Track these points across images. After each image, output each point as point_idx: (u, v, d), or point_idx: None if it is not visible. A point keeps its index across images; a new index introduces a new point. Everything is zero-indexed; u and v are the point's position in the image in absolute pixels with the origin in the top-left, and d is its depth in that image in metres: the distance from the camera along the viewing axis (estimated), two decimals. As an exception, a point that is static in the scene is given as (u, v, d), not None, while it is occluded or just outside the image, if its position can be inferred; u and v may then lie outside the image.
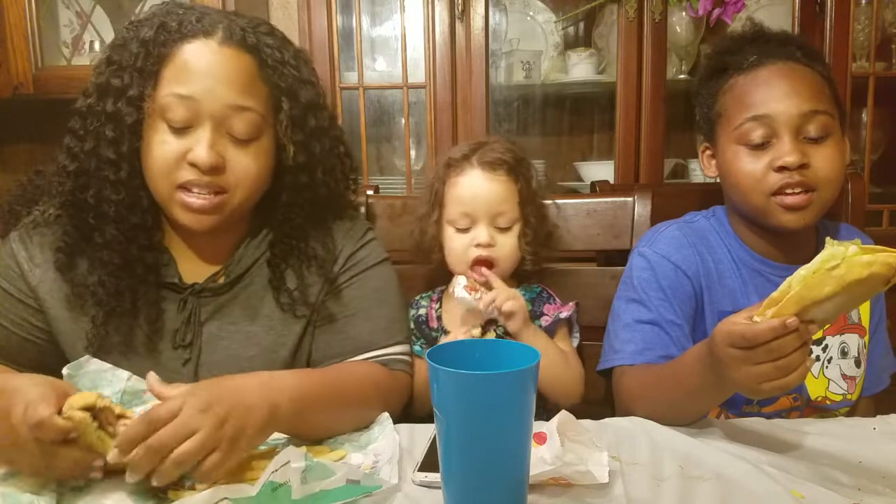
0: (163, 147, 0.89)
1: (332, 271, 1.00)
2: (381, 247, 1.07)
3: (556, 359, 1.09)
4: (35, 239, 0.97)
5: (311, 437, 0.85)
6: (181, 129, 0.89)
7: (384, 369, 0.97)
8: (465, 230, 1.13)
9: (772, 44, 1.06)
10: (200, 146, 0.88)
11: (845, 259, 0.66)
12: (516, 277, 1.21)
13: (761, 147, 1.01)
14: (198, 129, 0.89)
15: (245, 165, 0.91)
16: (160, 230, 0.97)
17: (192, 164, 0.88)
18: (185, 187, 0.90)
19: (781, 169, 0.98)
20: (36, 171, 1.05)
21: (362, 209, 1.32)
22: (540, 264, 1.18)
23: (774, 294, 0.71)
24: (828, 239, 0.68)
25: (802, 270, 0.69)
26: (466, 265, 1.13)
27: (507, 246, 1.13)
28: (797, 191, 0.99)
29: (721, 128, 1.06)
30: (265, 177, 0.96)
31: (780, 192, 0.99)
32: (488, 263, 1.12)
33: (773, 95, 1.00)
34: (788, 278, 0.70)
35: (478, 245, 1.11)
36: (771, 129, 1.00)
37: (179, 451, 0.68)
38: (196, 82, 0.88)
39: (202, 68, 0.88)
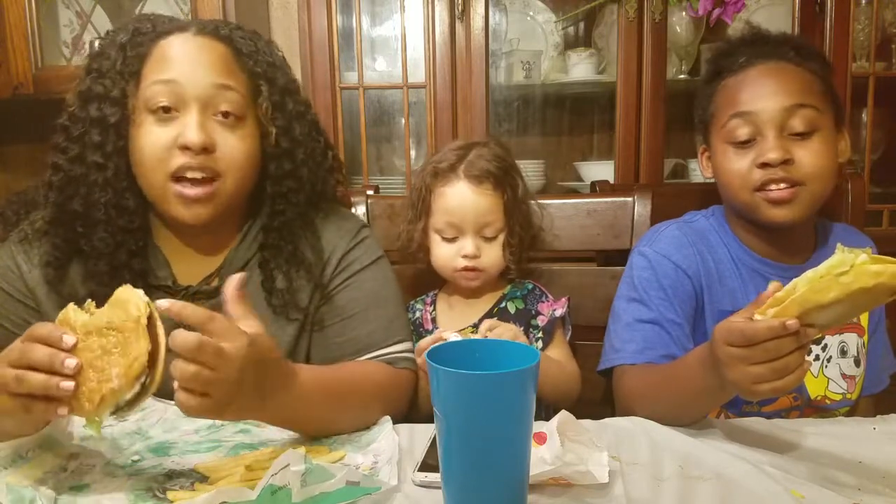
0: (151, 137, 0.90)
1: (322, 276, 1.00)
2: (376, 245, 1.06)
3: (551, 370, 1.09)
4: (34, 242, 0.97)
5: (304, 433, 0.85)
6: (167, 118, 0.90)
7: (388, 368, 0.97)
8: (452, 240, 1.15)
9: (767, 46, 1.06)
10: (190, 128, 0.89)
11: (854, 266, 0.65)
12: (508, 279, 1.22)
13: (747, 144, 1.02)
14: (184, 113, 0.90)
15: (233, 146, 0.93)
16: (149, 233, 0.98)
17: (184, 148, 0.89)
18: (178, 178, 0.90)
19: (764, 165, 0.99)
20: (30, 186, 1.06)
21: (362, 209, 1.33)
22: (523, 268, 1.20)
23: (779, 294, 0.71)
24: (839, 245, 0.68)
25: (810, 273, 0.68)
26: (453, 271, 1.15)
27: (492, 255, 1.15)
28: (781, 186, 0.99)
29: (713, 128, 1.08)
30: (253, 162, 0.97)
31: (763, 187, 1.00)
32: (474, 271, 1.14)
33: (758, 93, 1.01)
34: (795, 280, 0.70)
35: (464, 256, 1.13)
36: (755, 127, 1.01)
37: (204, 374, 0.65)
38: (177, 67, 0.91)
39: (181, 56, 0.91)
